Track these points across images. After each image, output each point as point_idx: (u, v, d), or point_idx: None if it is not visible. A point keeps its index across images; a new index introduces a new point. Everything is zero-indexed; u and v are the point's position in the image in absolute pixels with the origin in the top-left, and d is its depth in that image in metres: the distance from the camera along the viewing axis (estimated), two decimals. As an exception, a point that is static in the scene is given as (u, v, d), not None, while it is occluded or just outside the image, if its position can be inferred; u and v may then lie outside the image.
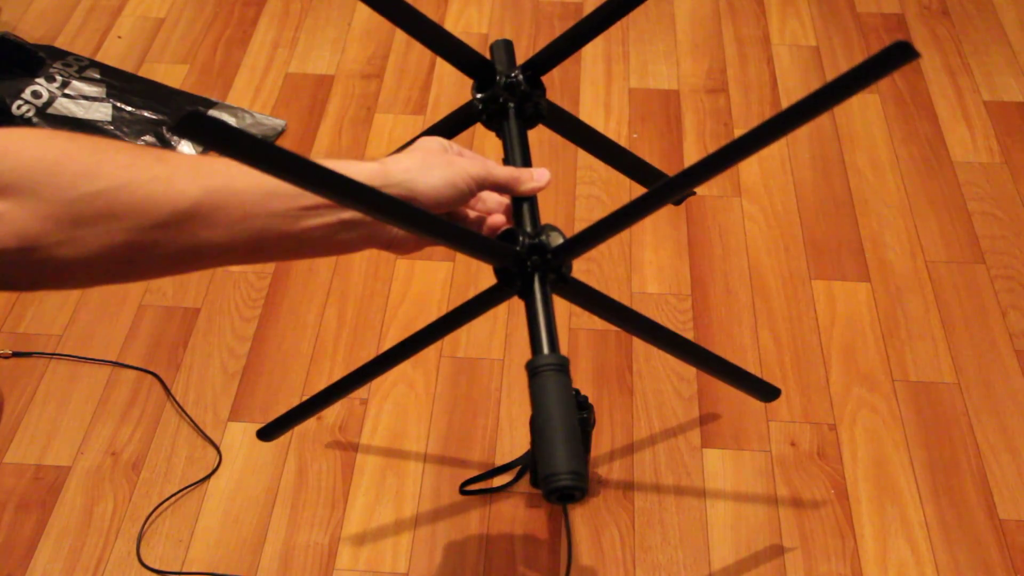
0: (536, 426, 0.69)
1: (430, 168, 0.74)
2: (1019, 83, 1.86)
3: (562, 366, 0.71)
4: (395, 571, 1.20)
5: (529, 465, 1.26)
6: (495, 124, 0.91)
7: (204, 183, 0.64)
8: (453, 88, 1.83)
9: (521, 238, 0.78)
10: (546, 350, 0.73)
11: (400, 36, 1.95)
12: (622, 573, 1.21)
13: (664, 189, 0.68)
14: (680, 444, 1.33)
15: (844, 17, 2.01)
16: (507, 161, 0.88)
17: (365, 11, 2.01)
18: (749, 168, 1.69)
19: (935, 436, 1.34)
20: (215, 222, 0.64)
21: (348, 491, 1.28)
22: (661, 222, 1.61)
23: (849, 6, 2.03)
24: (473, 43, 2.07)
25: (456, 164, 0.76)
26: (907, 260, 1.55)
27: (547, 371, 0.70)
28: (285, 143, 1.74)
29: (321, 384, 1.39)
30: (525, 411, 1.35)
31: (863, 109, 1.80)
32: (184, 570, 1.20)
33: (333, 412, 1.36)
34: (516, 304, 1.05)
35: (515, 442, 1.33)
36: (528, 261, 0.77)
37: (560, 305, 1.48)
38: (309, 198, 0.67)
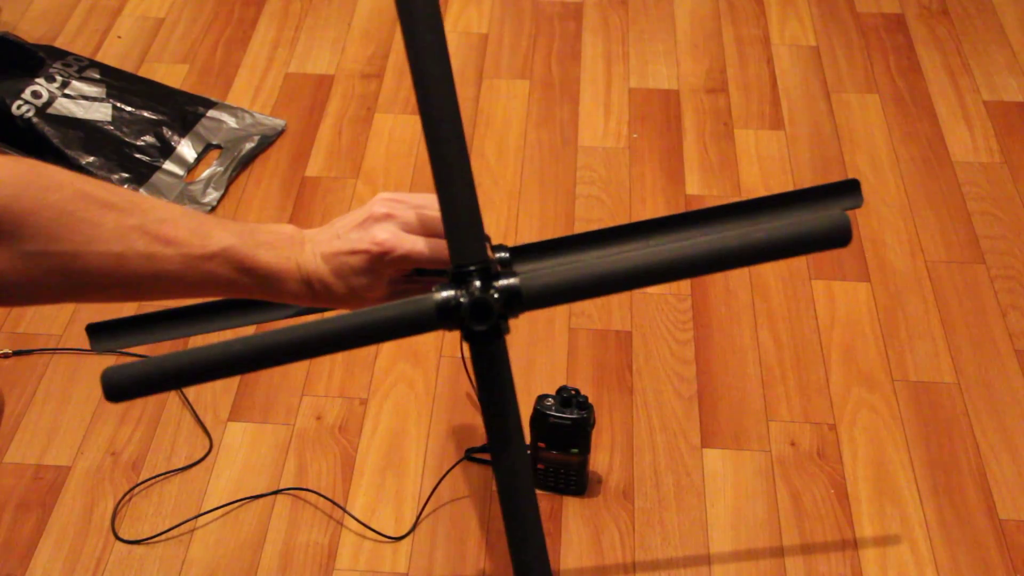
0: None
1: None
2: (1019, 83, 1.86)
3: None
4: (395, 571, 1.21)
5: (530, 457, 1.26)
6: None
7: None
8: (453, 88, 1.83)
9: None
10: None
11: (400, 36, 1.94)
12: (622, 573, 1.21)
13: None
14: (680, 444, 1.33)
15: (844, 17, 2.01)
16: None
17: (365, 11, 2.01)
18: (749, 168, 1.69)
19: (935, 436, 1.34)
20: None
21: (348, 491, 1.28)
22: (661, 222, 1.61)
23: (849, 6, 2.03)
24: (472, 43, 2.05)
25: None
26: (907, 260, 1.55)
27: None
28: (285, 143, 1.74)
29: (321, 384, 1.39)
30: (525, 410, 1.35)
31: (863, 109, 1.80)
32: (183, 570, 1.20)
33: (333, 412, 1.36)
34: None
35: (515, 442, 1.33)
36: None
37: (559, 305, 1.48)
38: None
